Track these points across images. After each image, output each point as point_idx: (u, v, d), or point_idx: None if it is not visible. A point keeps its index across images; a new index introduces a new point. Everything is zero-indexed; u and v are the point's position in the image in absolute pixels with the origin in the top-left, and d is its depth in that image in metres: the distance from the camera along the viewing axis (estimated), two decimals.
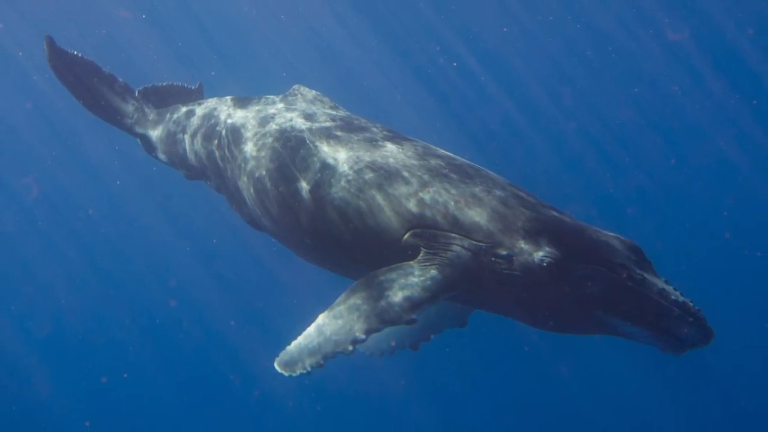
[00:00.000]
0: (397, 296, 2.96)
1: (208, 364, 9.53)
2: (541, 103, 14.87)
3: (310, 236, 3.48)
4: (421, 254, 3.06)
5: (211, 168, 4.20)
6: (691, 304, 2.90)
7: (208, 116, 4.31)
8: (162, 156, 4.73)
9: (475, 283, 3.07)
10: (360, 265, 3.32)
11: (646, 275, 2.94)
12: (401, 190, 3.16)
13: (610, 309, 2.92)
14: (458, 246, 3.03)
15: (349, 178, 3.28)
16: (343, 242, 3.34)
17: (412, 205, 3.10)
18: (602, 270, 2.92)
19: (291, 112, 3.92)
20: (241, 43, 15.36)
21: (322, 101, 4.15)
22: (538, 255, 2.94)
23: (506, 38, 15.80)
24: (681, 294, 2.94)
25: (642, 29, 15.22)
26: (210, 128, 4.22)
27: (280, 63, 14.75)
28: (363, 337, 2.94)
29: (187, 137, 4.41)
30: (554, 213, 3.23)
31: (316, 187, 3.37)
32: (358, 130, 3.66)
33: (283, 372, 3.04)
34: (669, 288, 2.93)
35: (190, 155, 4.37)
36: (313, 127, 3.66)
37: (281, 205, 3.54)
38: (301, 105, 4.06)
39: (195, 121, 4.39)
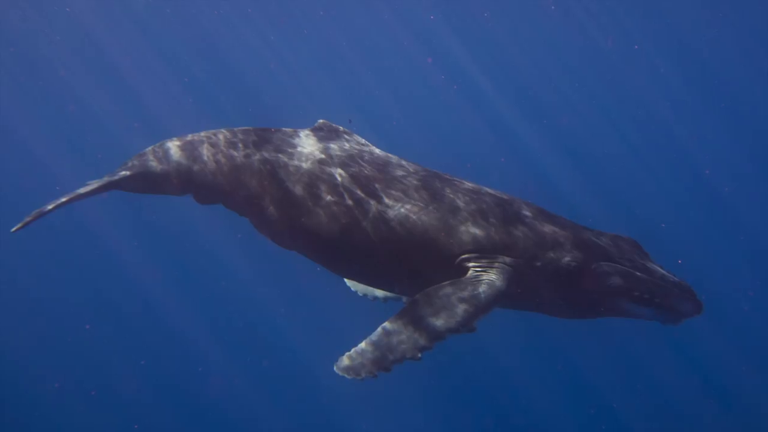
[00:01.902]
0: (457, 308, 3.58)
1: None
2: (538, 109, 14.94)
3: (371, 259, 3.97)
4: (470, 272, 3.75)
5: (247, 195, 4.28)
6: (685, 283, 3.79)
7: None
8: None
9: (516, 291, 3.77)
10: (413, 281, 3.90)
11: (648, 264, 3.85)
12: (460, 224, 3.86)
13: (625, 296, 3.76)
14: (501, 263, 3.76)
15: (418, 212, 3.90)
16: (401, 265, 3.92)
17: (467, 236, 3.80)
18: (615, 265, 3.78)
19: (340, 150, 4.28)
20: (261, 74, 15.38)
21: (351, 137, 4.50)
22: (565, 260, 3.77)
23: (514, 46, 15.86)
24: (675, 275, 3.83)
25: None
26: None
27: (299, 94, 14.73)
28: (430, 345, 3.48)
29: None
30: (570, 223, 4.02)
31: (381, 224, 3.91)
32: (409, 174, 4.13)
33: (346, 375, 3.46)
34: (666, 272, 3.82)
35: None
36: (364, 173, 4.10)
37: (343, 236, 3.97)
38: (340, 144, 4.35)
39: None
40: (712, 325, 9.14)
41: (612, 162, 13.98)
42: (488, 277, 3.70)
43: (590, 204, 11.78)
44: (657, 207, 12.53)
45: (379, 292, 4.74)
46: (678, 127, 15.32)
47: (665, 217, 11.84)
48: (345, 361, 3.49)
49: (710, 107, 15.81)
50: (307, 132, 4.45)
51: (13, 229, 4.25)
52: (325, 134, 4.43)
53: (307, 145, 4.30)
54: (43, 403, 9.15)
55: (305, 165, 4.14)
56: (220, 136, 4.43)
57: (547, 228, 3.89)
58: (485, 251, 3.80)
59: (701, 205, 13.45)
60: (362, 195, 3.98)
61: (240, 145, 4.33)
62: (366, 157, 4.23)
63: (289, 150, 4.24)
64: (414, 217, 3.86)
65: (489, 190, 4.13)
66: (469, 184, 4.13)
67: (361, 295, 4.84)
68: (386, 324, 3.59)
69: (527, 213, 3.98)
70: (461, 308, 3.57)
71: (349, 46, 16.35)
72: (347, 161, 4.17)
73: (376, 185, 4.01)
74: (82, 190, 4.43)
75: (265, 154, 4.22)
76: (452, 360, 8.14)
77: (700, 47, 16.01)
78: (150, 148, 4.55)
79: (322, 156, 4.19)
